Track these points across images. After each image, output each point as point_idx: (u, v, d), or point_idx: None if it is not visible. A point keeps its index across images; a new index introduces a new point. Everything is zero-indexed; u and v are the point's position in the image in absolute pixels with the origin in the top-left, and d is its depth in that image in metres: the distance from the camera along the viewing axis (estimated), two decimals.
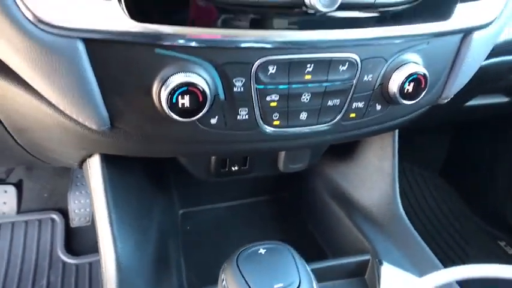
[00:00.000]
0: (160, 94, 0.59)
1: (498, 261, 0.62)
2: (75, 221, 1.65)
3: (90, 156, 0.85)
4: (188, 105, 0.59)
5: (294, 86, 0.66)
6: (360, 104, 0.73)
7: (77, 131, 0.68)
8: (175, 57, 0.58)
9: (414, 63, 0.70)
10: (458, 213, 1.87)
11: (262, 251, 0.65)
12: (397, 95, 0.71)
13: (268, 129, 0.71)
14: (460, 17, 0.69)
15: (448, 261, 1.62)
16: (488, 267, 0.62)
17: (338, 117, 0.74)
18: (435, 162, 2.05)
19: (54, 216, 1.66)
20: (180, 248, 1.15)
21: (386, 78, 0.71)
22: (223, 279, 0.62)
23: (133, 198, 0.96)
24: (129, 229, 0.88)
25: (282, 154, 1.01)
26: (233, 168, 1.00)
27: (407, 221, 1.03)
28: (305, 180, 1.32)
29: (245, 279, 0.60)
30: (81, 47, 0.55)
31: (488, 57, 0.95)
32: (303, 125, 0.72)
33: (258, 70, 0.63)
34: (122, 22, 0.53)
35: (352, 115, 0.74)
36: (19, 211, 1.66)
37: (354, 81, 0.69)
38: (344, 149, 1.17)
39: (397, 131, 1.04)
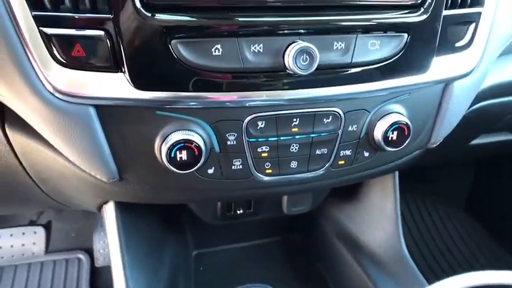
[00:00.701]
0: (161, 150, 0.66)
1: None
2: (100, 261, 1.70)
3: (106, 202, 0.93)
4: (185, 159, 0.66)
5: (282, 138, 0.72)
6: (348, 152, 0.77)
7: (91, 182, 0.76)
8: (173, 117, 0.66)
9: (397, 113, 0.74)
10: (485, 248, 1.81)
11: None
12: (382, 143, 0.74)
13: (262, 177, 0.76)
14: (437, 69, 0.72)
15: None
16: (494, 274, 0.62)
17: (327, 165, 0.78)
18: (458, 197, 2.02)
19: (81, 255, 1.72)
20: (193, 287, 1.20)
21: (371, 127, 0.75)
22: None
23: (144, 241, 1.02)
24: (141, 270, 0.94)
25: (285, 198, 1.06)
26: (238, 212, 1.05)
27: (411, 262, 1.04)
28: (314, 222, 1.35)
29: None
30: (92, 112, 0.63)
31: (481, 100, 0.98)
32: (294, 172, 0.77)
33: (248, 125, 0.69)
34: (127, 91, 0.61)
35: (341, 162, 0.78)
36: (47, 251, 1.73)
37: (340, 132, 0.74)
38: (348, 191, 1.19)
39: (397, 172, 1.07)
